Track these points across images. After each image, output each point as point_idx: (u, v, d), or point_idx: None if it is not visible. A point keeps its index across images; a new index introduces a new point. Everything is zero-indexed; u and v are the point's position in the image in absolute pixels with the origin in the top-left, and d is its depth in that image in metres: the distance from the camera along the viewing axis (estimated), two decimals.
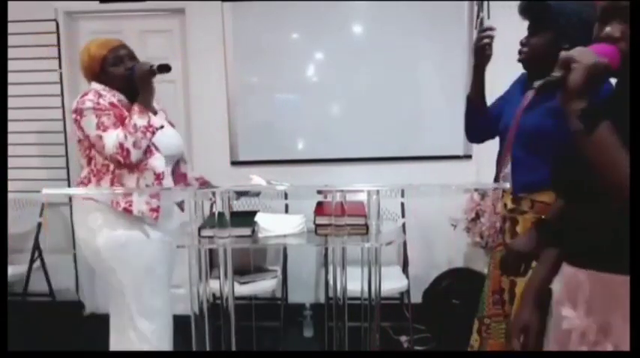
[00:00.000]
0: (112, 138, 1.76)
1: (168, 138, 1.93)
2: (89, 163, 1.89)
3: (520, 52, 1.64)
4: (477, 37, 1.78)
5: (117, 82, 1.89)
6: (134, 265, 1.85)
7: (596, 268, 0.92)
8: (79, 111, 1.79)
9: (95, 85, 1.89)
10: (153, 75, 1.84)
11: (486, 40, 1.74)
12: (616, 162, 0.84)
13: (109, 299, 1.99)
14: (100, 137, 1.77)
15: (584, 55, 0.87)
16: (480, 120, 1.88)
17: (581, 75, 0.87)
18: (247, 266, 2.65)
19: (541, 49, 1.57)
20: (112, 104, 1.83)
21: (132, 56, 1.94)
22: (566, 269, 1.01)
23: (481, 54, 1.77)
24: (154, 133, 1.81)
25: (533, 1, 1.59)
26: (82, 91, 1.88)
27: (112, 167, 1.83)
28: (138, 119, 1.78)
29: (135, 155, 1.76)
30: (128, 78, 1.87)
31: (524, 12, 1.62)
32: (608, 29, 0.90)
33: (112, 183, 1.82)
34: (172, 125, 2.07)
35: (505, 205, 1.68)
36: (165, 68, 1.85)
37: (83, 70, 1.95)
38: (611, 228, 0.86)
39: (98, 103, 1.79)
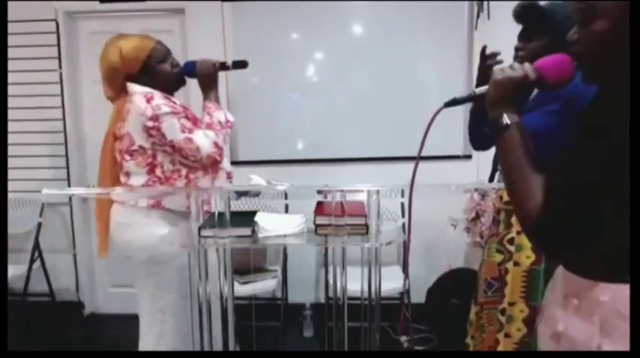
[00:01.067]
0: (203, 138, 1.73)
1: None
2: (152, 171, 1.78)
3: (516, 57, 1.65)
4: (482, 63, 1.78)
5: (163, 81, 1.81)
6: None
7: (583, 273, 0.90)
8: (156, 118, 1.69)
9: (140, 88, 1.79)
10: (217, 71, 1.84)
11: (492, 64, 1.75)
12: (517, 168, 0.94)
13: (145, 297, 1.92)
14: (190, 139, 1.71)
15: (501, 72, 1.00)
16: (485, 130, 1.90)
17: (492, 89, 1.02)
18: (247, 266, 2.65)
19: (538, 53, 1.58)
20: (181, 105, 1.78)
21: (170, 53, 1.88)
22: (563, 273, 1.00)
23: (485, 77, 1.81)
24: (230, 128, 1.81)
25: (527, 4, 1.60)
26: (137, 97, 1.74)
27: (184, 172, 1.78)
28: (221, 115, 1.78)
29: (224, 152, 1.76)
30: (176, 76, 1.84)
31: (518, 16, 1.64)
32: (569, 33, 0.92)
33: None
34: None
35: (500, 198, 1.70)
36: (241, 64, 1.84)
37: (111, 72, 1.80)
38: (604, 232, 0.84)
39: (173, 106, 1.73)
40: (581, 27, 0.89)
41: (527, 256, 1.58)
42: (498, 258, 1.66)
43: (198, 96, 1.91)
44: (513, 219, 1.63)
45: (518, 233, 1.61)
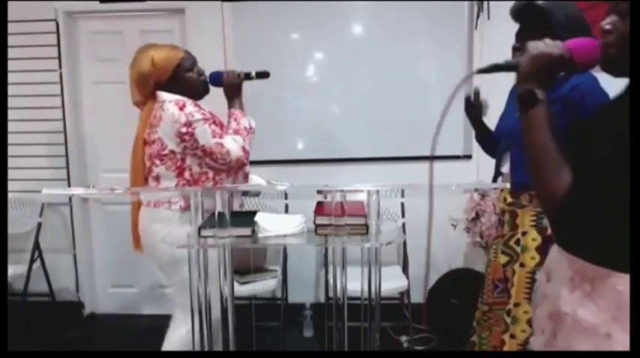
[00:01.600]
0: (232, 143, 1.85)
1: None
2: (181, 174, 1.86)
3: (513, 57, 1.66)
4: (468, 106, 1.89)
5: (190, 89, 1.92)
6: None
7: (585, 257, 0.92)
8: (189, 124, 1.79)
9: (169, 96, 1.88)
10: (242, 81, 1.99)
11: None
12: (544, 147, 0.94)
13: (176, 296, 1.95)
14: (221, 144, 1.82)
15: (536, 46, 0.99)
16: (493, 141, 1.93)
17: (526, 62, 1.00)
18: (247, 266, 2.65)
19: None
20: (209, 112, 1.87)
21: (196, 62, 1.98)
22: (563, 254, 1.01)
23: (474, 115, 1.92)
24: (254, 133, 1.93)
25: (526, 3, 1.60)
26: (170, 104, 1.82)
27: (211, 174, 1.88)
28: (246, 122, 1.92)
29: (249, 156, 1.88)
30: (202, 84, 1.95)
31: (516, 15, 1.64)
32: (602, 22, 0.93)
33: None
34: None
35: (504, 199, 1.70)
36: (263, 75, 2.01)
37: (142, 79, 1.89)
38: (608, 220, 0.86)
39: (204, 113, 1.83)
40: (614, 16, 0.90)
41: (532, 257, 1.58)
42: (503, 259, 1.66)
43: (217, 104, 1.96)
44: (518, 220, 1.63)
45: (523, 234, 1.61)
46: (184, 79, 1.91)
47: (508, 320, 1.62)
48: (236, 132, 1.90)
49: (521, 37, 1.65)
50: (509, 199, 1.67)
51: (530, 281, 1.58)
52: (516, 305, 1.60)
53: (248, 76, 2.01)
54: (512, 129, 1.71)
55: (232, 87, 1.97)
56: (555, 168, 0.92)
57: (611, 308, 0.85)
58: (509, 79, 1.81)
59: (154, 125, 1.86)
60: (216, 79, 1.99)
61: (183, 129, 1.79)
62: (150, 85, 1.89)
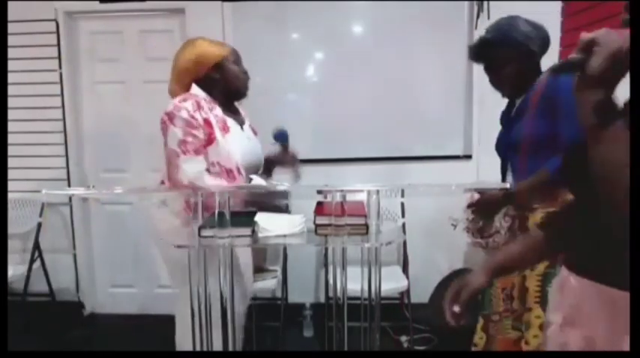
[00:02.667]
0: (191, 164, 1.68)
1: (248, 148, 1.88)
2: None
3: (501, 91, 1.74)
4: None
5: (227, 88, 1.84)
6: None
7: (592, 277, 0.87)
8: (171, 116, 1.68)
9: (197, 90, 1.80)
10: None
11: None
12: (625, 166, 0.70)
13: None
14: (177, 157, 1.67)
15: (609, 38, 0.73)
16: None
17: (603, 60, 0.72)
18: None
19: (513, 73, 1.67)
20: (206, 121, 1.71)
21: (240, 61, 1.92)
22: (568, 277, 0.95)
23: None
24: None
25: (475, 44, 1.76)
26: (182, 95, 1.76)
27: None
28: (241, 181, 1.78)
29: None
30: (241, 84, 1.87)
31: (477, 57, 1.71)
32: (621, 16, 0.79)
33: None
34: (255, 132, 2.02)
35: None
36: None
37: (179, 69, 1.84)
38: (611, 237, 0.80)
39: (193, 118, 1.68)
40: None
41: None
42: None
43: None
44: (529, 224, 1.63)
45: None
46: (227, 70, 1.83)
47: (515, 326, 1.62)
48: (218, 175, 1.72)
49: (493, 71, 1.73)
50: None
51: (540, 285, 1.57)
52: (528, 310, 1.60)
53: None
54: (508, 141, 1.73)
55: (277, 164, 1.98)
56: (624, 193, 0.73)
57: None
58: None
59: None
60: (281, 137, 2.01)
61: (164, 117, 1.69)
62: (187, 76, 1.82)
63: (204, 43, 1.84)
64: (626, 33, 0.73)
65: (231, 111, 1.89)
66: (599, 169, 0.76)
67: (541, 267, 1.57)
